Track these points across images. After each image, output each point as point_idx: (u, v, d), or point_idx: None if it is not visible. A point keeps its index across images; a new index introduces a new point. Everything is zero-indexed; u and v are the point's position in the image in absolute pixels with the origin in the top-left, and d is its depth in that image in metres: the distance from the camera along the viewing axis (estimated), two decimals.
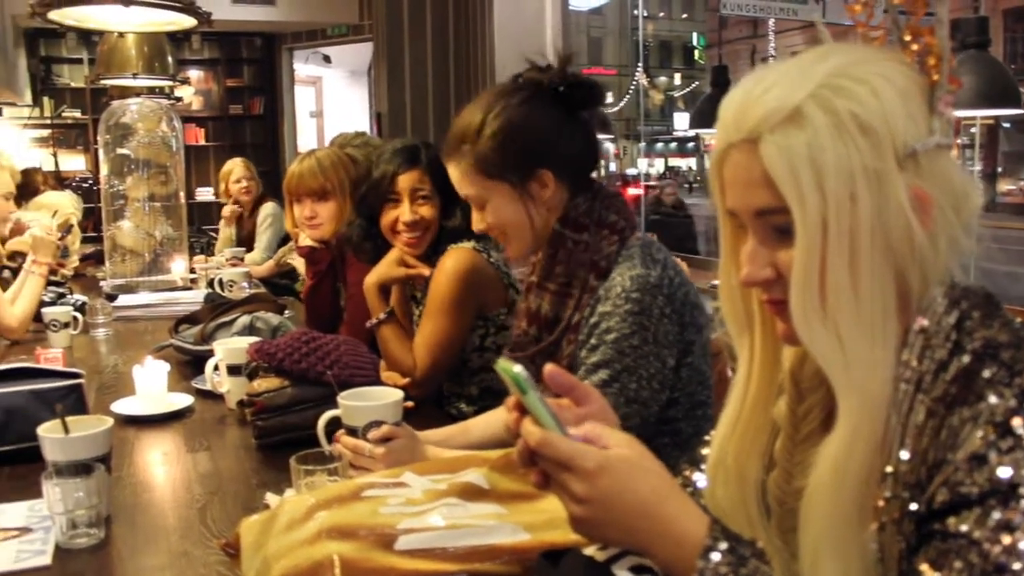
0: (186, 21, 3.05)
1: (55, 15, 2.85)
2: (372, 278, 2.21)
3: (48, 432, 1.42)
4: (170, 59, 4.55)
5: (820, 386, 0.96)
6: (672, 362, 1.56)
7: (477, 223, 1.65)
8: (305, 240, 2.63)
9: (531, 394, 0.86)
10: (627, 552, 0.91)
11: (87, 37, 10.36)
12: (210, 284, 3.71)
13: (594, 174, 1.69)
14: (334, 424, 1.58)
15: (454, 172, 1.64)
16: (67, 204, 5.42)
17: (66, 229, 4.04)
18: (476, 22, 7.02)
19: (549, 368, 0.93)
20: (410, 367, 2.11)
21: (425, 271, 2.17)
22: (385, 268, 2.20)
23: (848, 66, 0.87)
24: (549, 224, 1.62)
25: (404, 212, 2.18)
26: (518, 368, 0.86)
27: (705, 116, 5.99)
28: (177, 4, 2.85)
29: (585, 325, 1.58)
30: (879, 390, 0.85)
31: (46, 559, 1.32)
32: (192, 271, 4.08)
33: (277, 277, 4.47)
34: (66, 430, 1.42)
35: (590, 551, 0.94)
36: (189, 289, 3.79)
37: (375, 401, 1.55)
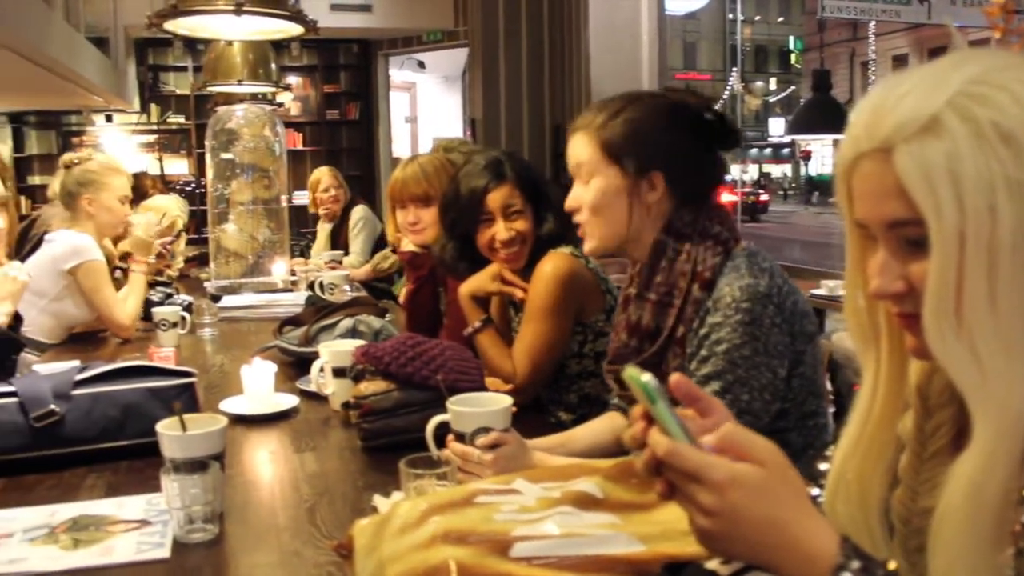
0: (293, 29, 3.12)
1: (170, 25, 2.95)
2: (465, 288, 2.22)
3: (167, 429, 1.46)
4: (273, 66, 4.66)
5: (950, 402, 0.93)
6: (783, 372, 1.53)
7: (572, 200, 1.67)
8: (407, 245, 2.66)
9: (660, 403, 0.85)
10: (752, 567, 0.89)
11: (192, 46, 10.70)
12: (310, 287, 3.78)
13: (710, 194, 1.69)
14: (442, 429, 1.58)
15: (579, 138, 1.65)
16: (174, 207, 5.58)
17: (175, 233, 4.17)
18: (571, 27, 7.01)
19: (676, 378, 0.92)
20: (510, 373, 2.11)
21: (519, 293, 2.17)
22: (481, 280, 2.20)
23: (987, 72, 0.83)
24: (644, 229, 1.62)
25: (500, 231, 2.18)
26: (647, 376, 0.85)
27: (804, 122, 5.88)
28: (285, 12, 2.92)
29: (694, 337, 1.56)
30: (1018, 407, 0.82)
31: (165, 552, 1.36)
32: (292, 273, 4.16)
33: (374, 280, 4.53)
34: (183, 428, 1.46)
35: (712, 565, 0.92)
36: (289, 291, 3.87)
37: (484, 407, 1.55)
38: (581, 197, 1.65)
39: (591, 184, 1.63)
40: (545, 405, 2.21)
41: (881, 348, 0.98)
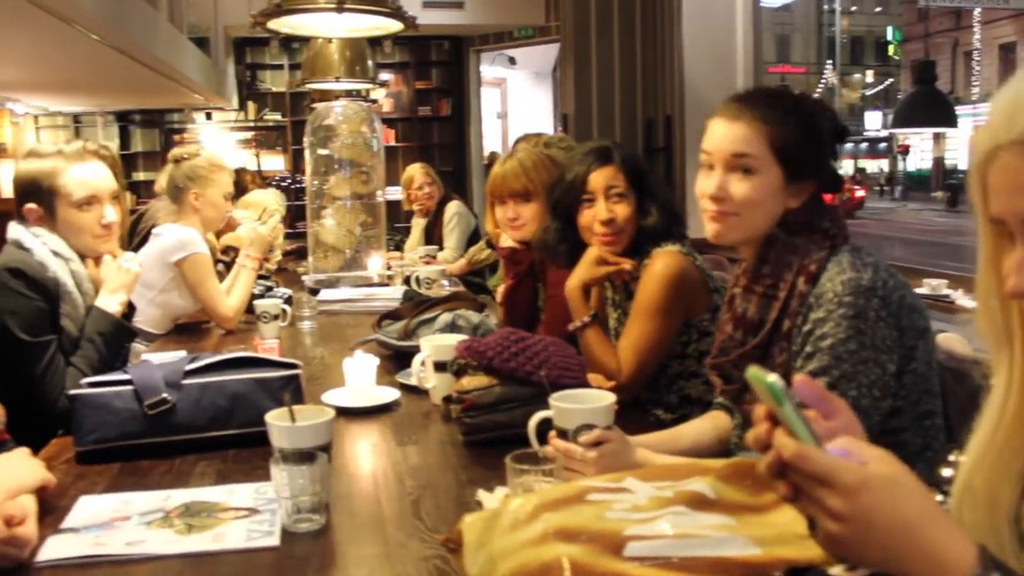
0: (392, 25, 3.15)
1: (273, 23, 3.00)
2: (575, 280, 2.20)
3: (276, 419, 1.48)
4: (370, 63, 4.71)
5: None
6: (893, 368, 1.48)
7: (717, 189, 1.60)
8: (506, 241, 2.66)
9: (787, 405, 0.83)
10: (877, 575, 0.86)
11: (288, 44, 10.93)
12: (406, 281, 3.82)
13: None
14: (544, 425, 1.58)
15: (740, 128, 1.59)
16: (272, 202, 5.71)
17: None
18: (664, 22, 6.94)
19: (801, 378, 0.89)
20: (614, 370, 2.10)
21: (627, 265, 2.15)
22: (586, 268, 2.19)
23: None
24: (768, 227, 1.59)
25: (600, 210, 2.17)
26: (773, 377, 0.83)
27: (907, 115, 5.70)
28: (385, 9, 2.95)
29: (798, 334, 1.53)
30: None
31: (275, 540, 1.38)
32: (388, 268, 4.21)
33: (468, 275, 4.55)
34: (292, 419, 1.48)
35: (836, 572, 0.89)
36: (385, 286, 3.91)
37: (587, 404, 1.54)
38: (732, 188, 1.59)
39: (752, 179, 1.58)
40: (644, 404, 2.19)
41: (1015, 350, 0.94)
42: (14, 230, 2.19)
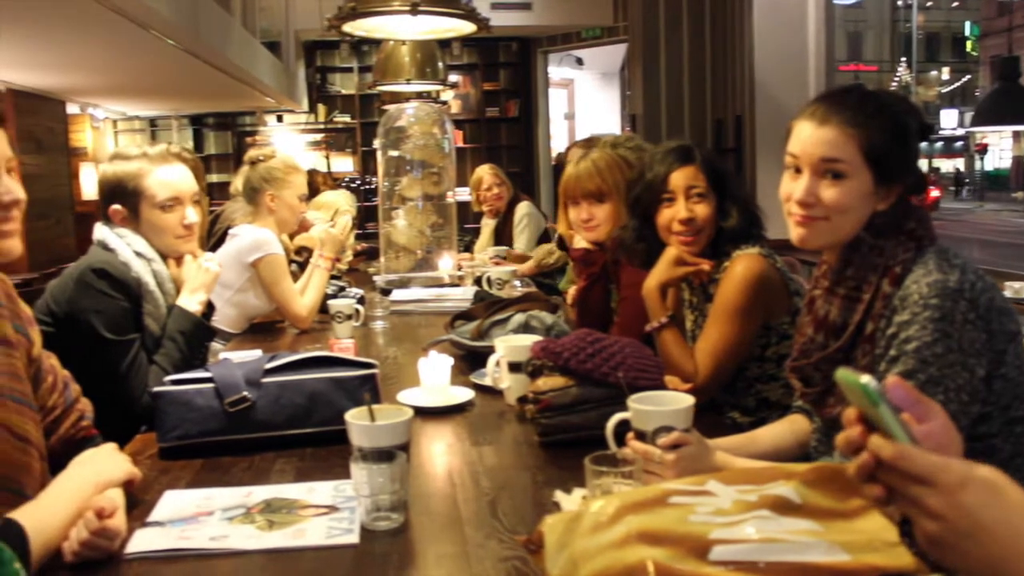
0: (465, 27, 3.17)
1: (348, 27, 3.04)
2: (653, 281, 2.18)
3: (355, 418, 1.50)
4: (440, 64, 4.74)
5: None
6: (982, 372, 1.44)
7: (806, 194, 1.56)
8: (580, 242, 2.65)
9: (883, 406, 0.81)
10: None
11: (358, 47, 11.06)
12: (477, 282, 3.83)
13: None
14: (622, 426, 1.57)
15: (830, 132, 1.55)
16: (343, 203, 5.78)
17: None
18: (734, 20, 6.86)
19: (893, 379, 0.87)
20: (690, 372, 2.07)
21: (705, 265, 2.13)
22: (664, 269, 2.17)
23: None
24: (856, 230, 1.56)
25: (679, 210, 2.15)
26: (866, 378, 0.81)
27: (989, 113, 5.55)
28: (459, 11, 2.96)
29: (882, 337, 1.50)
30: None
31: (354, 538, 1.39)
32: (458, 268, 4.23)
33: (538, 276, 4.55)
34: (372, 418, 1.49)
35: None
36: (456, 286, 3.93)
37: (665, 406, 1.52)
38: (822, 193, 1.55)
39: (842, 184, 1.54)
40: (720, 406, 2.16)
41: None
42: (99, 231, 2.25)
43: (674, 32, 7.76)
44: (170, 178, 2.26)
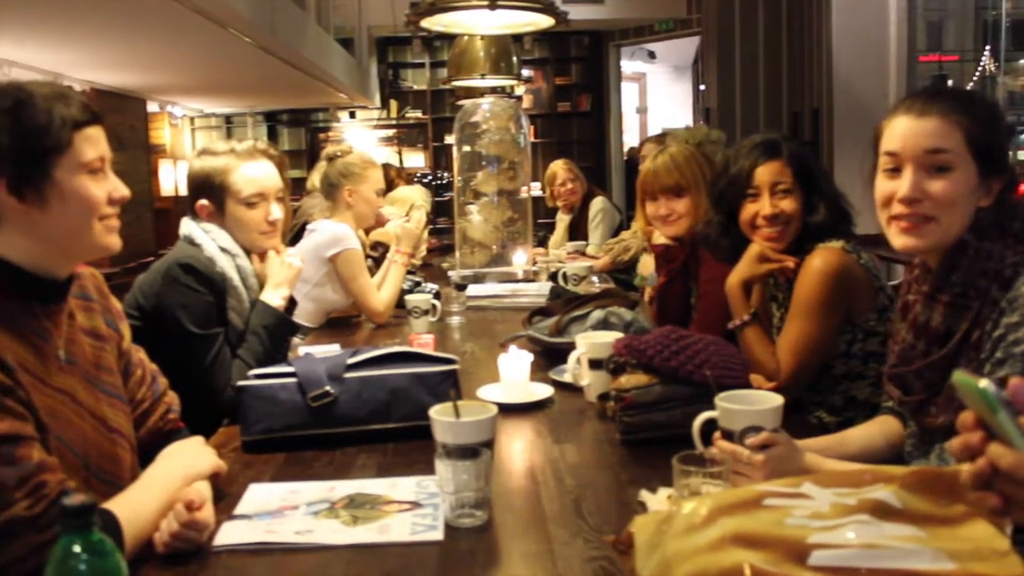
0: (543, 21, 3.15)
1: (426, 22, 3.04)
2: (736, 277, 2.14)
3: (440, 415, 1.49)
4: (515, 59, 4.73)
5: None
6: None
7: (912, 190, 1.49)
8: (659, 238, 2.62)
9: (1001, 412, 0.77)
10: None
11: (430, 43, 11.12)
12: (552, 277, 3.81)
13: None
14: (708, 425, 1.54)
15: (932, 122, 1.49)
16: (418, 198, 5.81)
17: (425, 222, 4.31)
18: (812, 11, 6.72)
19: (1017, 382, 0.83)
20: (773, 371, 2.03)
21: (790, 262, 2.08)
22: (747, 266, 2.13)
23: None
24: (962, 230, 1.49)
25: (764, 206, 2.11)
26: (984, 383, 0.77)
27: None
28: (537, 5, 2.94)
29: (987, 340, 1.44)
30: None
31: (439, 535, 1.39)
32: (533, 263, 4.21)
33: (613, 271, 4.52)
34: (457, 414, 1.48)
35: None
36: (532, 281, 3.91)
37: (754, 405, 1.49)
38: (929, 187, 1.48)
39: (949, 176, 1.48)
40: (806, 405, 2.11)
41: None
42: (186, 226, 2.28)
43: (749, 23, 7.64)
44: (255, 174, 2.29)
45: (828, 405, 2.08)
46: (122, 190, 1.49)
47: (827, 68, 6.36)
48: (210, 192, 2.29)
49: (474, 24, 3.32)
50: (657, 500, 1.46)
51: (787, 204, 2.10)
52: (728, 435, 1.47)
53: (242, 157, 2.29)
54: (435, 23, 3.12)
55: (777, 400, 1.49)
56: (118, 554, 0.91)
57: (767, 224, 2.11)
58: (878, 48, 6.36)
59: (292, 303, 2.34)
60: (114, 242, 1.50)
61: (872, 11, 6.27)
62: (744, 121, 7.76)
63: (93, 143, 1.43)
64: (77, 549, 0.89)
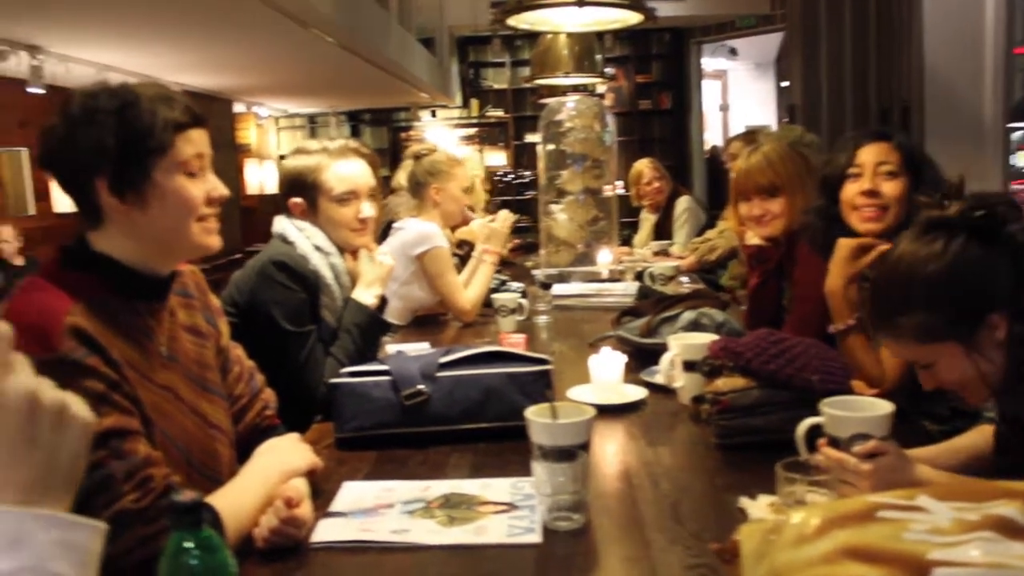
0: (630, 18, 3.11)
1: (512, 20, 3.03)
2: (837, 279, 2.05)
3: (536, 416, 1.47)
4: (598, 57, 4.70)
5: None
6: None
7: (927, 382, 1.47)
8: (752, 239, 2.56)
9: None
10: None
11: (510, 42, 11.13)
12: (638, 276, 3.77)
13: None
14: (811, 432, 1.50)
15: (891, 343, 1.47)
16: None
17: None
18: (903, 3, 6.53)
19: None
20: (878, 377, 1.97)
21: (884, 245, 2.00)
22: (844, 265, 2.03)
23: None
24: (1004, 360, 1.40)
25: (864, 183, 2.05)
26: None
27: None
28: (624, 1, 2.91)
29: None
30: None
31: (536, 537, 1.37)
32: (619, 262, 4.17)
33: (698, 271, 4.46)
34: (554, 415, 1.47)
35: None
36: (617, 281, 3.88)
37: (861, 411, 1.44)
38: (934, 380, 1.45)
39: (935, 369, 1.43)
40: (910, 414, 2.04)
41: None
42: (279, 224, 2.31)
43: (836, 17, 7.45)
44: (347, 172, 2.30)
45: (934, 415, 2.00)
46: (220, 190, 1.51)
47: (917, 62, 6.17)
48: (303, 190, 2.31)
49: (560, 21, 3.30)
50: (757, 507, 1.42)
51: (890, 186, 2.03)
52: (834, 442, 1.43)
53: (334, 155, 2.31)
54: (521, 21, 3.11)
55: (888, 407, 1.44)
56: (227, 550, 0.92)
57: (866, 202, 2.04)
58: (973, 42, 6.14)
59: (384, 301, 2.35)
60: (213, 242, 1.52)
61: (966, 4, 6.06)
62: (830, 118, 7.57)
63: (193, 145, 1.45)
64: (188, 545, 0.90)
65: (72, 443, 0.78)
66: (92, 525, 0.77)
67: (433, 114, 12.01)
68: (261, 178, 11.38)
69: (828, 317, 2.12)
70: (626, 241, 5.55)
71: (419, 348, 2.34)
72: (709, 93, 12.25)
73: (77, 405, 0.79)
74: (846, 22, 7.36)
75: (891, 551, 0.98)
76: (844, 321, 2.05)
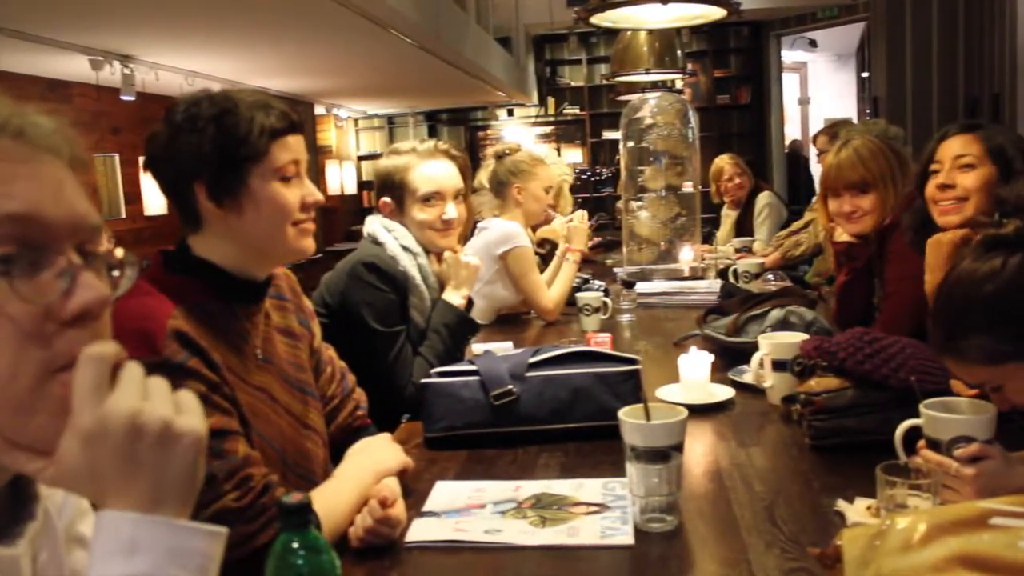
0: (714, 13, 3.08)
1: (595, 19, 3.02)
2: (939, 275, 2.00)
3: (629, 417, 1.47)
4: (679, 53, 4.66)
5: None
6: None
7: (1000, 404, 1.41)
8: (842, 235, 2.51)
9: None
10: None
11: (586, 39, 11.09)
12: (722, 275, 3.73)
13: None
14: (909, 433, 1.46)
15: (956, 368, 1.41)
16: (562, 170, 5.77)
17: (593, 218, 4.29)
18: None
19: None
20: None
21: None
22: (945, 262, 1.99)
23: None
24: None
25: (940, 176, 2.00)
26: None
27: None
28: None
29: None
30: None
31: (629, 539, 1.37)
32: (701, 260, 4.13)
33: (782, 268, 4.39)
34: (647, 416, 1.46)
35: None
36: (700, 278, 3.84)
37: (963, 413, 1.41)
38: (1006, 403, 1.39)
39: (1006, 390, 1.37)
40: (1012, 416, 1.97)
41: None
42: (370, 224, 2.34)
43: (922, 5, 7.28)
44: (433, 173, 2.32)
45: None
46: (315, 195, 1.53)
47: (1010, 49, 5.98)
48: (392, 189, 2.34)
49: (643, 18, 3.28)
50: (855, 511, 1.39)
51: (967, 178, 1.99)
52: (934, 445, 1.40)
53: (423, 156, 2.33)
54: (603, 19, 3.10)
55: (991, 409, 1.40)
56: (332, 551, 0.94)
57: (941, 196, 2.01)
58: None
59: (470, 302, 2.37)
60: (307, 246, 1.55)
61: None
62: (915, 109, 7.40)
63: (289, 151, 1.48)
64: (295, 545, 0.91)
65: (180, 458, 0.76)
66: (209, 530, 0.77)
67: (510, 113, 12.03)
68: (341, 179, 11.54)
69: (923, 316, 2.06)
70: (707, 238, 5.50)
71: (503, 347, 2.35)
72: (788, 86, 12.04)
73: (184, 419, 0.77)
74: (933, 9, 7.19)
75: (1008, 560, 0.96)
76: None
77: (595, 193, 11.28)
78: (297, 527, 0.92)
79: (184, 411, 0.78)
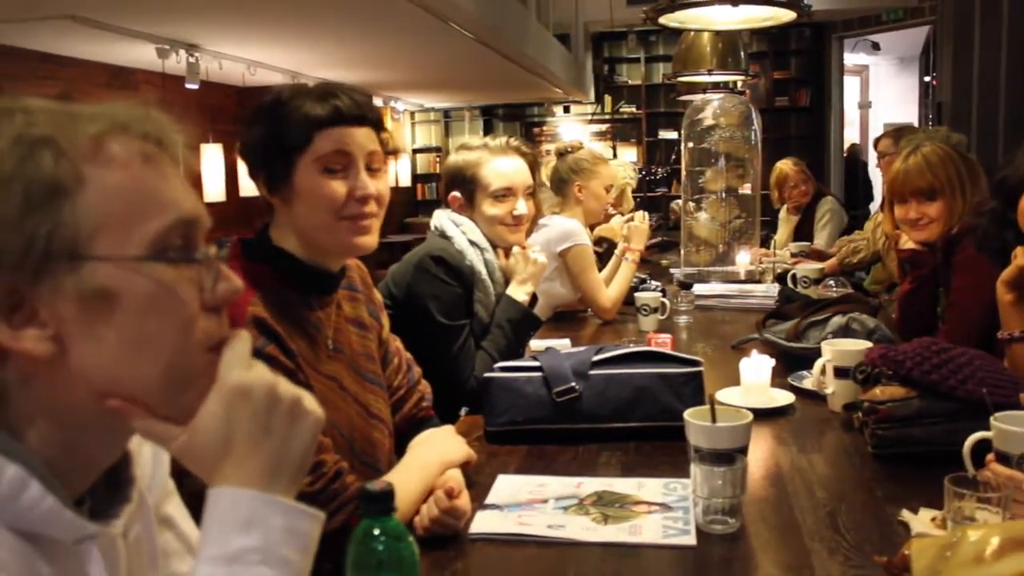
0: (783, 15, 3.06)
1: (663, 19, 3.02)
2: (1009, 285, 1.97)
3: (695, 418, 1.48)
4: (742, 54, 4.63)
5: None
6: None
7: None
8: (907, 243, 2.49)
9: None
10: None
11: (645, 37, 11.05)
12: (781, 279, 3.70)
13: None
14: (978, 446, 1.45)
15: None
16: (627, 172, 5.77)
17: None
18: None
19: None
20: None
21: None
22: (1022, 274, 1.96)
23: None
24: None
25: None
26: None
27: None
28: None
29: None
30: None
31: (691, 539, 1.38)
32: (760, 263, 4.11)
33: (840, 274, 4.35)
34: (713, 418, 1.47)
35: None
36: (757, 282, 3.82)
37: None
38: None
39: None
40: None
41: None
42: (438, 218, 2.37)
43: (992, 8, 7.14)
44: (505, 169, 2.35)
45: None
46: (365, 188, 1.49)
47: None
48: (462, 184, 2.37)
49: (711, 19, 3.27)
50: (920, 522, 1.39)
51: None
52: (1004, 458, 1.39)
53: (495, 152, 2.35)
54: (671, 19, 3.10)
55: None
56: (411, 538, 0.96)
57: None
58: None
59: (534, 298, 2.39)
60: (363, 242, 1.52)
61: None
62: (980, 116, 7.26)
63: (334, 141, 1.47)
64: (376, 532, 0.94)
65: (303, 434, 0.83)
66: (314, 514, 0.82)
67: (566, 110, 12.03)
68: (396, 172, 11.62)
69: (990, 326, 2.04)
70: (764, 241, 5.46)
71: (560, 344, 2.37)
72: (848, 89, 11.89)
73: (309, 400, 0.84)
74: (1003, 14, 7.04)
75: None
76: (1014, 329, 1.96)
77: (650, 193, 11.23)
78: (379, 514, 0.95)
79: (305, 396, 0.84)
